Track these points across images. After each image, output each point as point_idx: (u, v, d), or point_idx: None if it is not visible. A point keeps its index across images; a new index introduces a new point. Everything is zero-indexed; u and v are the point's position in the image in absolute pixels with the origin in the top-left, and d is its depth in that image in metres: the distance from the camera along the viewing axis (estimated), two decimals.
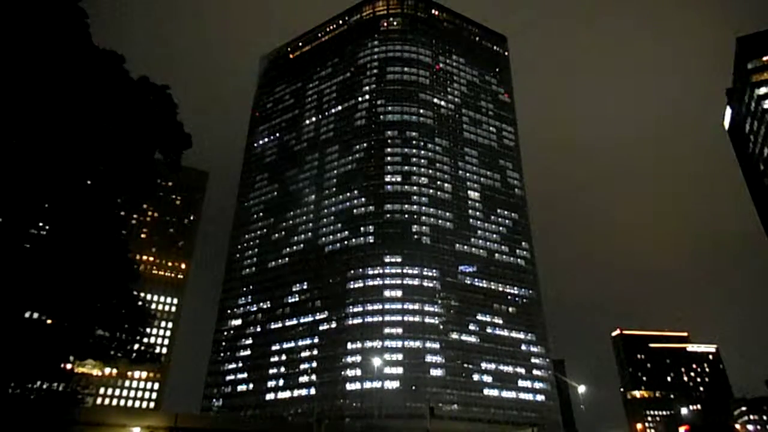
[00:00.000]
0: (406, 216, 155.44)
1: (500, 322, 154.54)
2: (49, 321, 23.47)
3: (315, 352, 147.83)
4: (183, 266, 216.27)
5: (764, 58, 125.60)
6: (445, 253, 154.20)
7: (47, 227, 23.13)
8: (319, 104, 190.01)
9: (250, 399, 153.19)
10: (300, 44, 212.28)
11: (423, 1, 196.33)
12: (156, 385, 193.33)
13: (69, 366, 27.95)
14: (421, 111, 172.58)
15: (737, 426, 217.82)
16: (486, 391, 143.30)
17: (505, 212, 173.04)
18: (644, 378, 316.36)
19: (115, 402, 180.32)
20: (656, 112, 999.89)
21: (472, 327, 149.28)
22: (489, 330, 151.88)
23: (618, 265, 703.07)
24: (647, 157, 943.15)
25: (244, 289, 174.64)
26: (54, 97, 21.79)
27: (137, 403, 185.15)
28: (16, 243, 21.99)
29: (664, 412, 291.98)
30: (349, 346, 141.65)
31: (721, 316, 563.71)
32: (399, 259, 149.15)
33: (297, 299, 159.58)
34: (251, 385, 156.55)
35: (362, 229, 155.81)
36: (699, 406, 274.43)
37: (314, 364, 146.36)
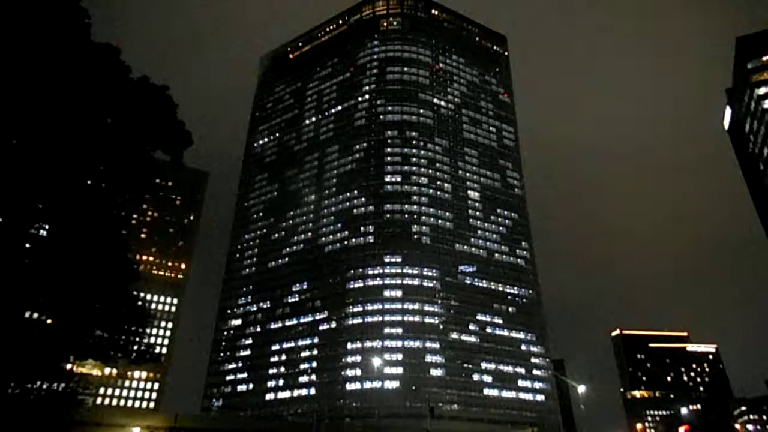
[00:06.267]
0: (406, 216, 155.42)
1: (500, 322, 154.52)
2: (49, 321, 23.48)
3: (315, 352, 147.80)
4: (183, 266, 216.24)
5: (764, 58, 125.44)
6: (445, 253, 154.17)
7: (47, 227, 23.14)
8: (319, 104, 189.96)
9: (250, 399, 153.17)
10: (300, 44, 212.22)
11: (423, 1, 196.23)
12: (156, 385, 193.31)
13: (69, 366, 27.95)
14: (421, 111, 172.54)
15: (737, 426, 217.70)
16: (486, 391, 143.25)
17: (505, 212, 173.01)
18: (644, 378, 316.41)
19: (115, 402, 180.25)
20: (656, 113, 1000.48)
21: (472, 327, 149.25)
22: (489, 330, 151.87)
23: (618, 265, 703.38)
24: (647, 156, 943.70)
25: (244, 289, 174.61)
26: (54, 97, 21.80)
27: (137, 403, 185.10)
28: (16, 243, 22.00)
29: (664, 412, 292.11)
30: (349, 346, 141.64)
31: (721, 316, 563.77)
32: (399, 259, 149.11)
33: (297, 299, 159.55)
34: (251, 385, 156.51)
35: (362, 229, 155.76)
36: (699, 406, 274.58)
37: (314, 364, 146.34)
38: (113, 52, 23.81)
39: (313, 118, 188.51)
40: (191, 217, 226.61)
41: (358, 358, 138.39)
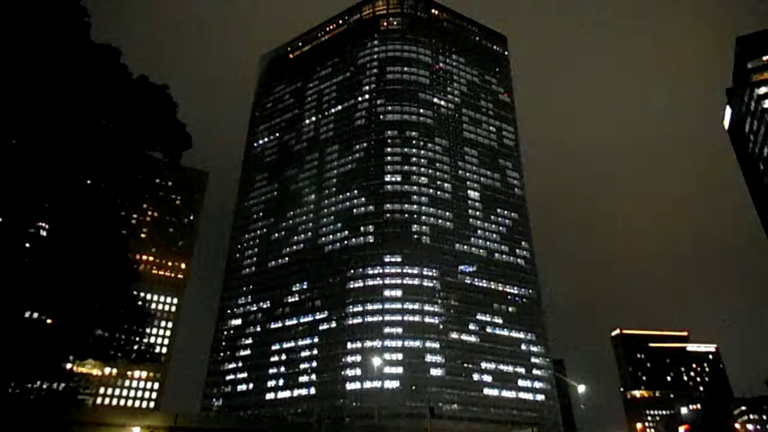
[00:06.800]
0: (406, 216, 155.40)
1: (500, 321, 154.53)
2: (49, 321, 23.48)
3: (315, 352, 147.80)
4: (183, 266, 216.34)
5: (764, 58, 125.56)
6: (445, 253, 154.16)
7: (47, 227, 23.13)
8: (319, 104, 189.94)
9: (250, 399, 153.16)
10: (300, 44, 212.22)
11: (423, 1, 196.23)
12: (156, 385, 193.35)
13: (69, 366, 27.96)
14: (421, 111, 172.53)
15: (737, 426, 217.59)
16: (486, 391, 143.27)
17: (505, 212, 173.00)
18: (644, 378, 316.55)
19: (115, 402, 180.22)
20: (656, 113, 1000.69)
21: (472, 327, 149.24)
22: (489, 330, 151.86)
23: (618, 265, 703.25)
24: (647, 156, 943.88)
25: (244, 289, 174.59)
26: (54, 97, 21.79)
27: (137, 403, 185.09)
28: (17, 243, 21.99)
29: (664, 412, 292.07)
30: (349, 345, 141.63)
31: (721, 316, 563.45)
32: (399, 259, 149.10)
33: (297, 299, 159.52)
34: (251, 385, 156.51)
35: (362, 229, 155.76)
36: (699, 406, 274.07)
37: (314, 364, 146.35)
38: (113, 52, 23.82)
39: (313, 118, 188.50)
40: (191, 217, 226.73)
41: (358, 358, 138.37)
